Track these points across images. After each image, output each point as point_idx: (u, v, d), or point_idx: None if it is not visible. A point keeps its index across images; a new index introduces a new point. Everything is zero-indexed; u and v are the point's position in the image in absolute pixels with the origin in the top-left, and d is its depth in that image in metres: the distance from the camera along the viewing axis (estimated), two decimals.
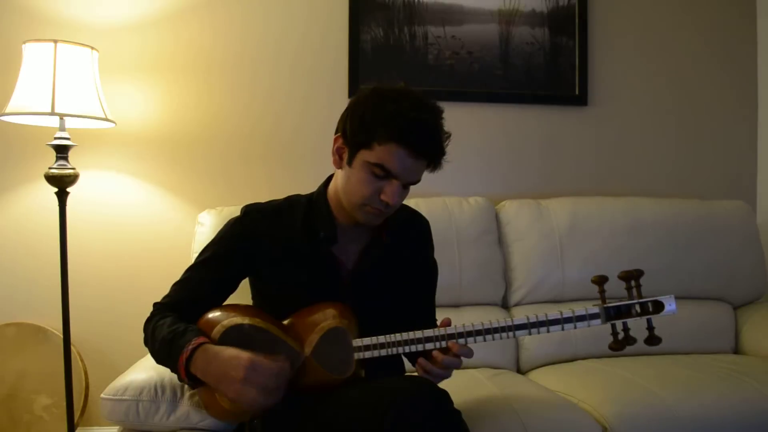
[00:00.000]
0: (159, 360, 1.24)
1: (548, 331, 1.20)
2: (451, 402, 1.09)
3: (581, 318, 1.20)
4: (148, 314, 1.28)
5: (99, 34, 2.07)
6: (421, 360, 1.21)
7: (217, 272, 1.31)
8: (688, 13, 2.45)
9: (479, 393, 1.56)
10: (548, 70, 2.35)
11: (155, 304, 1.30)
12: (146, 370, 1.39)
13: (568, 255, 2.03)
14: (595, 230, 2.06)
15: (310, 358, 1.21)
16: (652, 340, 1.21)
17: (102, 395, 1.35)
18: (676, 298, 1.20)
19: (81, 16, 2.09)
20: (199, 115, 2.18)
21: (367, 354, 1.20)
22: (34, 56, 1.77)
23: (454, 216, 2.02)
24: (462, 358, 1.20)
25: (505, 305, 2.07)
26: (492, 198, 2.15)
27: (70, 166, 1.84)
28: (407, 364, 1.43)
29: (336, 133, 1.26)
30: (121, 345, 2.03)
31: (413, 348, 1.20)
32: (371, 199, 1.21)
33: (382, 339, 1.20)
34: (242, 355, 1.11)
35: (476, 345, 1.20)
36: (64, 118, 1.81)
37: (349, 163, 1.22)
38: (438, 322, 1.25)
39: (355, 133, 1.19)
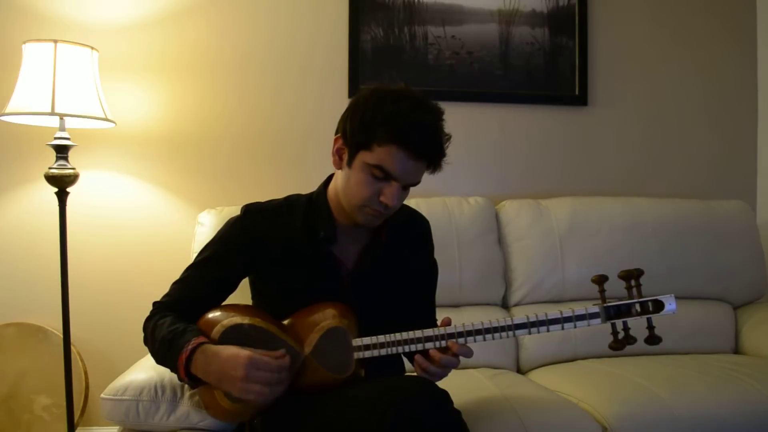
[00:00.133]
0: (158, 359, 1.25)
1: (548, 331, 1.20)
2: (451, 402, 1.09)
3: (581, 317, 1.20)
4: (148, 313, 1.28)
5: (99, 34, 2.07)
6: (418, 357, 1.20)
7: (216, 272, 1.31)
8: (688, 13, 2.45)
9: (479, 393, 1.56)
10: (548, 70, 2.35)
11: (155, 303, 1.30)
12: (146, 370, 1.39)
13: (568, 255, 2.03)
14: (595, 230, 2.06)
15: (309, 358, 1.21)
16: (653, 339, 1.21)
17: (102, 395, 1.35)
18: (676, 298, 1.20)
19: (81, 16, 2.09)
20: (198, 114, 2.18)
21: (367, 354, 1.20)
22: (34, 56, 1.77)
23: (454, 216, 2.02)
24: (461, 357, 1.20)
25: (505, 305, 2.07)
26: (492, 198, 2.15)
27: (70, 166, 1.84)
28: (407, 364, 1.43)
29: (336, 133, 1.25)
30: (121, 345, 2.03)
31: (413, 348, 1.20)
32: (370, 200, 1.20)
33: (381, 339, 1.20)
34: (241, 353, 1.11)
35: (476, 345, 1.20)
36: (64, 118, 1.81)
37: (349, 164, 1.21)
38: (438, 322, 1.25)
39: (354, 134, 1.19)
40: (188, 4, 2.16)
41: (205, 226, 1.87)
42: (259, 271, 1.33)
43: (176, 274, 1.33)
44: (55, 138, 1.82)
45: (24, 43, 1.79)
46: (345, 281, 1.32)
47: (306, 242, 1.30)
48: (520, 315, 1.23)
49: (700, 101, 2.46)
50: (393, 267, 1.35)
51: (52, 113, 1.74)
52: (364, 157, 1.18)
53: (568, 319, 1.20)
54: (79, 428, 2.04)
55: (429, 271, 1.46)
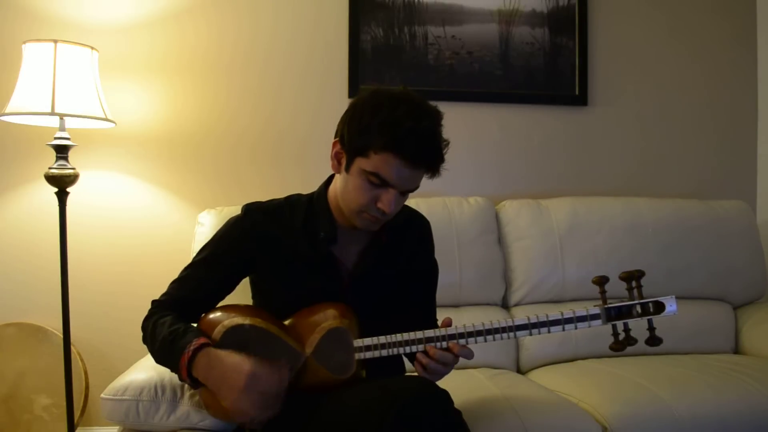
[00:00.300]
0: (158, 359, 1.25)
1: (549, 332, 1.20)
2: (451, 402, 1.09)
3: (582, 318, 1.20)
4: (147, 312, 1.28)
5: (99, 34, 2.07)
6: (418, 355, 1.20)
7: (216, 271, 1.31)
8: (688, 13, 2.45)
9: (479, 393, 1.56)
10: (548, 71, 2.35)
11: (154, 302, 1.30)
12: (146, 370, 1.39)
13: (568, 255, 2.03)
14: (595, 230, 2.06)
15: (311, 359, 1.21)
16: (653, 340, 1.20)
17: (102, 395, 1.35)
18: (676, 298, 1.20)
19: (81, 16, 2.09)
20: (198, 114, 2.18)
21: (368, 354, 1.20)
22: (34, 56, 1.77)
23: (454, 216, 2.02)
24: (461, 358, 1.20)
25: (505, 305, 2.07)
26: (492, 198, 2.15)
27: (70, 166, 1.84)
28: (408, 365, 1.43)
29: (335, 137, 1.25)
30: (121, 345, 2.03)
31: (414, 348, 1.20)
32: (368, 206, 1.20)
33: (383, 339, 1.20)
34: (245, 363, 1.11)
35: (476, 345, 1.20)
36: (64, 118, 1.81)
37: (347, 169, 1.21)
38: (439, 323, 1.25)
39: (351, 140, 1.18)
40: (188, 4, 2.16)
41: (205, 226, 1.87)
42: (259, 271, 1.33)
43: (176, 275, 1.33)
44: (55, 138, 1.82)
45: (24, 43, 1.79)
46: (345, 282, 1.31)
47: (306, 242, 1.30)
48: (520, 315, 1.24)
49: (700, 101, 2.46)
50: (393, 267, 1.34)
51: (52, 113, 1.74)
52: (360, 163, 1.17)
53: (569, 320, 1.19)
54: (79, 428, 2.04)
55: (429, 271, 1.46)
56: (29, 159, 2.06)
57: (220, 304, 1.32)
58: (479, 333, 1.19)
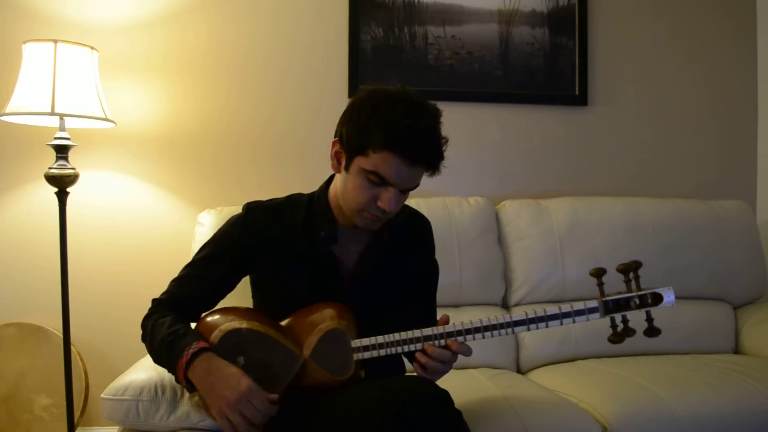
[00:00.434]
0: (156, 359, 1.25)
1: (547, 327, 1.19)
2: (452, 402, 1.08)
3: (580, 312, 1.19)
4: (147, 311, 1.29)
5: (99, 34, 2.07)
6: (417, 354, 1.19)
7: (216, 270, 1.31)
8: (688, 13, 2.45)
9: (479, 393, 1.56)
10: (548, 71, 2.35)
11: (154, 300, 1.30)
12: (146, 370, 1.39)
13: (568, 255, 2.03)
14: (595, 230, 2.06)
15: (309, 360, 1.21)
16: (652, 331, 1.18)
17: (102, 395, 1.35)
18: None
19: (81, 16, 2.09)
20: (198, 114, 2.18)
21: (367, 354, 1.20)
22: (34, 56, 1.77)
23: (454, 216, 2.02)
24: (460, 356, 1.19)
25: (505, 305, 2.07)
26: (492, 198, 2.15)
27: (70, 166, 1.84)
28: (407, 364, 1.42)
29: (334, 137, 1.25)
30: (121, 345, 2.02)
31: (412, 347, 1.19)
32: (368, 205, 1.20)
33: (381, 339, 1.20)
34: (243, 380, 1.11)
35: (476, 345, 1.20)
36: (64, 118, 1.81)
37: (346, 168, 1.21)
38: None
39: (350, 139, 1.18)
40: (188, 4, 2.16)
41: (205, 226, 1.87)
42: (259, 270, 1.33)
43: (176, 275, 1.33)
44: (55, 138, 1.82)
45: (24, 43, 1.79)
46: (345, 281, 1.31)
47: (307, 242, 1.30)
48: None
49: (700, 101, 2.46)
50: (394, 267, 1.34)
51: (52, 113, 1.74)
52: (360, 162, 1.17)
53: (566, 315, 1.19)
54: (79, 428, 2.04)
55: (430, 271, 1.45)
56: (29, 159, 2.06)
57: (220, 304, 1.32)
58: (477, 330, 1.19)
